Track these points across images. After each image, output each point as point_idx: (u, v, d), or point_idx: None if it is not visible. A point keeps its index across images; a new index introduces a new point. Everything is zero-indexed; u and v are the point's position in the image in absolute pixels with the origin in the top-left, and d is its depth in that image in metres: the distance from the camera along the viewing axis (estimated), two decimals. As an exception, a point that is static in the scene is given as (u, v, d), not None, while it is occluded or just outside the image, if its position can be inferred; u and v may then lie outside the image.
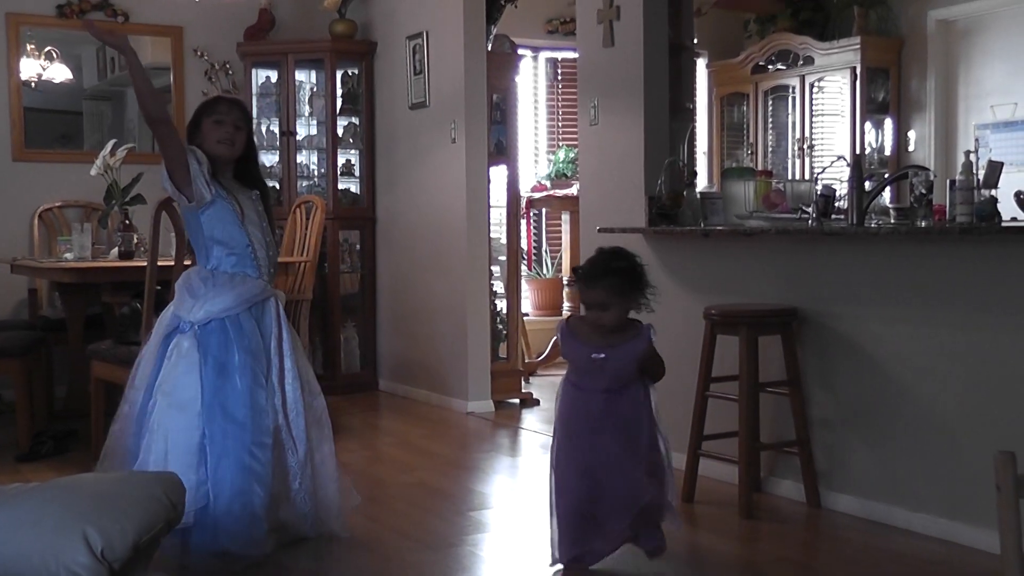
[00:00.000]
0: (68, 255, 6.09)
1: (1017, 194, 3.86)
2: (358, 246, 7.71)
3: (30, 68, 7.08)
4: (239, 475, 3.79)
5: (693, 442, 4.62)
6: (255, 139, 7.47)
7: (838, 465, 4.44)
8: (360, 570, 3.89)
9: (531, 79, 9.23)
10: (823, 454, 4.49)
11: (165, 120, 3.88)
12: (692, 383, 4.64)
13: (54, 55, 7.10)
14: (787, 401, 4.52)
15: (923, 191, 4.26)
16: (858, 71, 8.01)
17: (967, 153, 4.12)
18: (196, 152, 3.88)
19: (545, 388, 7.22)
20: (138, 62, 3.86)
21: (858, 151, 7.83)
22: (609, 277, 3.54)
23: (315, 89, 7.72)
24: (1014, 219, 4.01)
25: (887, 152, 8.18)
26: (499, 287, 7.06)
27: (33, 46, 7.08)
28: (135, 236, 6.06)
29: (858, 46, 8.01)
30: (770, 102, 8.87)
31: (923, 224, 4.16)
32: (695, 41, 5.96)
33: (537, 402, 6.92)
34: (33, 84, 7.11)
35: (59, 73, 7.17)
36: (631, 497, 3.56)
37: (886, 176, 7.03)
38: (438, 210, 6.96)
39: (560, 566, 3.64)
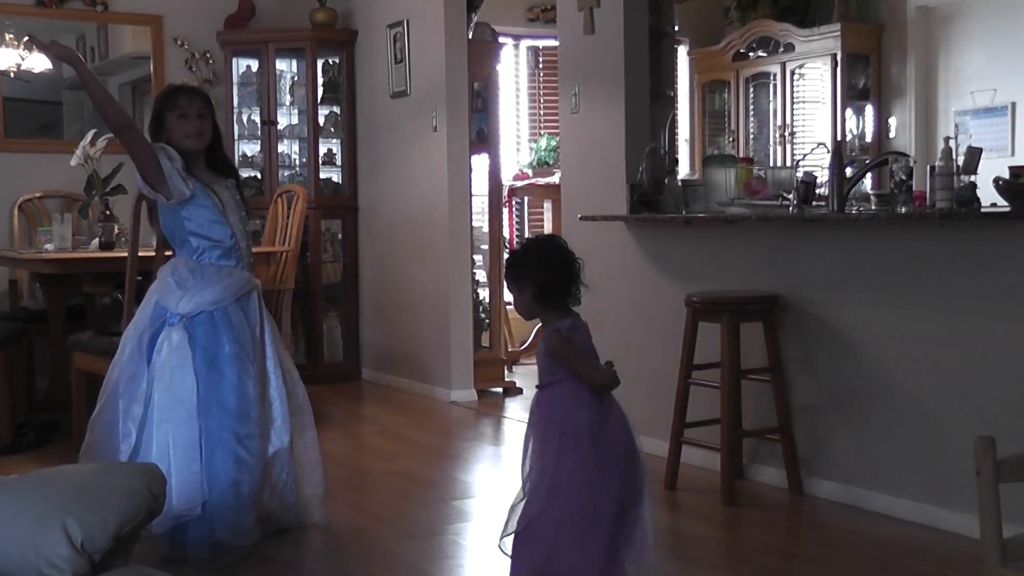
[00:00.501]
0: (48, 246, 6.06)
1: (996, 180, 3.87)
2: (340, 235, 7.70)
3: (9, 58, 7.02)
4: (232, 466, 3.79)
5: (675, 429, 4.63)
6: (235, 128, 7.50)
7: (820, 451, 4.46)
8: (343, 559, 3.89)
9: (512, 67, 9.21)
10: (805, 440, 4.51)
11: (128, 125, 3.85)
12: (674, 370, 4.65)
13: (32, 46, 7.04)
14: (769, 388, 4.53)
15: (903, 177, 4.27)
16: (839, 58, 8.01)
17: (947, 139, 4.13)
18: (167, 150, 3.85)
19: (528, 377, 7.22)
20: (90, 72, 3.84)
21: (839, 138, 7.83)
22: (510, 268, 3.14)
23: (296, 78, 7.69)
24: (994, 205, 4.01)
25: (868, 138, 8.19)
26: (481, 276, 7.05)
27: (12, 36, 7.03)
28: (116, 226, 6.03)
29: (838, 33, 8.01)
30: (751, 89, 8.87)
31: (903, 210, 4.17)
32: (676, 28, 5.97)
33: (520, 391, 6.92)
34: (12, 74, 7.07)
35: (38, 63, 7.11)
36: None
37: (867, 162, 7.04)
38: (420, 199, 6.95)
39: None
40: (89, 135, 6.16)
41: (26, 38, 3.65)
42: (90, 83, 3.79)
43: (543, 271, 3.04)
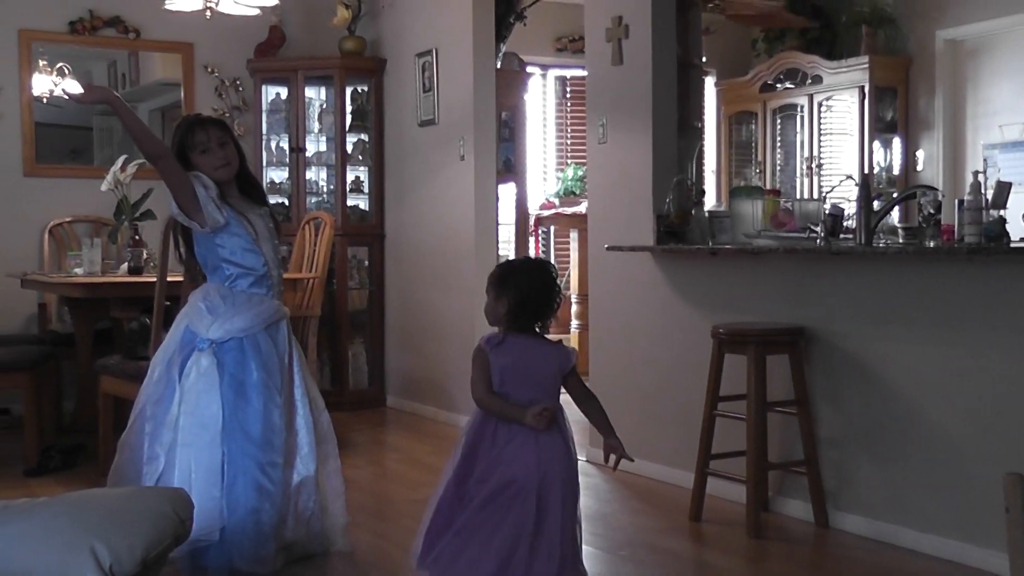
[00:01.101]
0: (78, 270, 6.11)
1: (1025, 214, 3.86)
2: (366, 262, 7.72)
3: (42, 84, 7.11)
4: (253, 494, 3.79)
5: (701, 461, 4.61)
6: (264, 155, 7.56)
7: (846, 485, 4.43)
8: (367, 587, 3.89)
9: (540, 97, 9.25)
10: (831, 473, 4.48)
11: (164, 154, 3.86)
12: (700, 402, 4.64)
13: (66, 71, 7.13)
14: (795, 420, 4.51)
15: (931, 211, 4.26)
16: (866, 90, 8.02)
17: (975, 173, 4.12)
18: (201, 178, 3.87)
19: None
20: (126, 107, 3.86)
21: (866, 170, 7.83)
22: (498, 277, 3.20)
23: (324, 106, 7.75)
24: (1023, 239, 4.00)
25: (895, 171, 8.18)
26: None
27: (45, 62, 7.12)
28: (144, 251, 6.08)
29: (866, 65, 8.01)
30: (778, 121, 8.88)
31: (931, 244, 4.16)
32: (703, 59, 5.98)
33: (544, 419, 6.89)
34: (45, 100, 7.15)
35: (71, 89, 7.18)
36: None
37: (894, 195, 7.02)
38: (447, 227, 6.97)
39: None
40: (120, 161, 6.22)
41: (65, 94, 3.66)
42: (126, 117, 3.83)
43: (524, 294, 3.11)
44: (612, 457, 3.16)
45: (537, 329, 3.17)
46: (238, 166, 4.00)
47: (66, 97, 3.96)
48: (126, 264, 6.10)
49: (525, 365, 3.12)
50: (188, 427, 3.81)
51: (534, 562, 3.03)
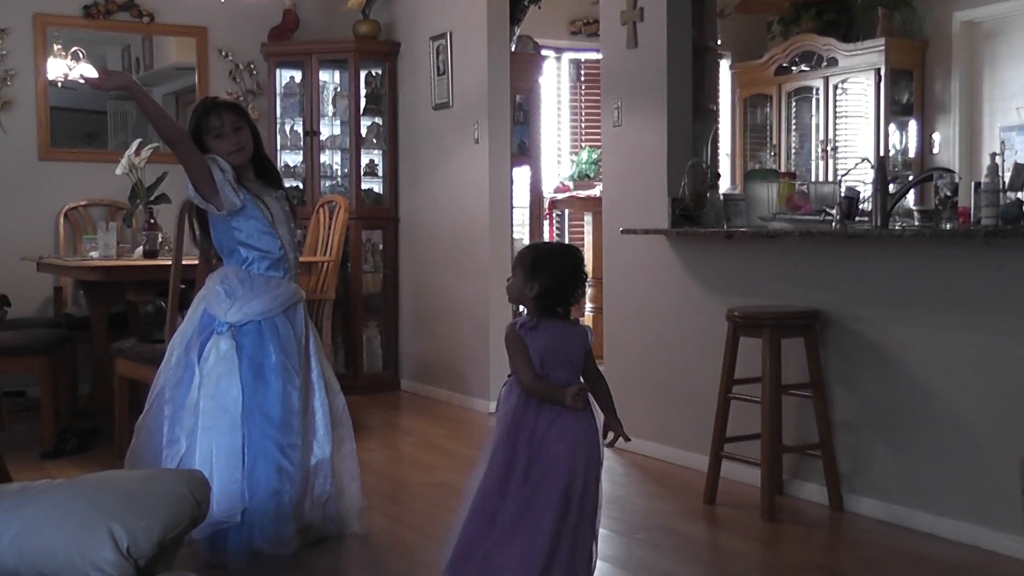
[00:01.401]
0: (93, 253, 6.13)
1: (1043, 197, 3.84)
2: (381, 246, 7.73)
3: (57, 68, 7.12)
4: (274, 476, 3.81)
5: (715, 444, 4.61)
6: (278, 138, 7.56)
7: (861, 468, 4.43)
8: (381, 569, 3.90)
9: (554, 80, 9.23)
10: (846, 457, 4.47)
11: (182, 139, 3.86)
12: (715, 385, 4.63)
13: (80, 55, 7.14)
14: (810, 404, 4.51)
15: (948, 193, 4.24)
16: (882, 72, 7.98)
17: (992, 155, 4.10)
18: (218, 161, 3.87)
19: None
20: (145, 93, 3.87)
21: (882, 153, 7.80)
22: (528, 260, 3.22)
23: (339, 89, 7.74)
24: (1040, 222, 3.98)
25: (911, 154, 8.14)
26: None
27: (59, 46, 7.13)
28: (159, 235, 6.09)
29: (882, 47, 7.98)
30: (793, 103, 8.85)
31: (948, 227, 4.14)
32: (718, 42, 5.95)
33: (559, 403, 6.90)
34: (59, 84, 7.16)
35: (85, 73, 7.20)
36: None
37: (910, 178, 6.99)
38: (461, 210, 6.97)
39: None
40: (134, 145, 6.23)
41: (82, 79, 3.64)
42: (145, 102, 3.84)
43: (556, 279, 3.15)
44: (610, 435, 3.20)
45: (559, 311, 3.18)
46: (252, 151, 4.00)
47: (82, 82, 3.95)
48: (141, 248, 6.12)
49: (560, 347, 3.16)
50: (209, 410, 3.82)
51: (578, 539, 3.08)
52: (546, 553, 3.02)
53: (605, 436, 3.21)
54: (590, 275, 8.13)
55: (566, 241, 9.24)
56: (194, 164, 3.84)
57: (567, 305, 3.21)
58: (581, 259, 3.27)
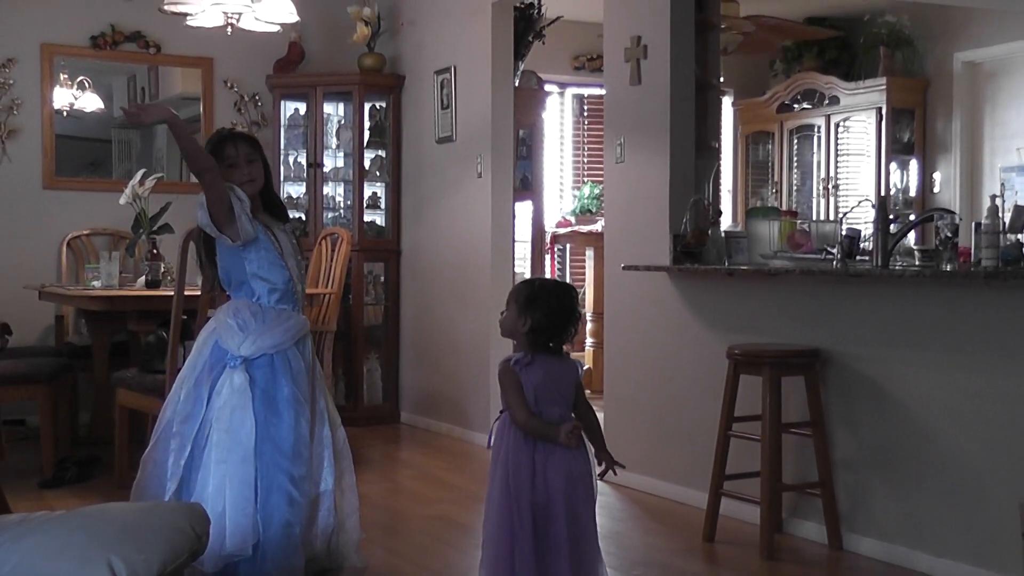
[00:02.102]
0: (95, 283, 6.14)
1: (1043, 239, 3.86)
2: (383, 278, 7.74)
3: (63, 97, 7.16)
4: (286, 507, 3.80)
5: (715, 481, 4.61)
6: (281, 170, 7.59)
7: (861, 507, 4.42)
8: (379, 604, 3.89)
9: (557, 115, 9.27)
10: (846, 496, 4.47)
11: (211, 168, 3.85)
12: (714, 422, 4.63)
13: (86, 84, 7.18)
14: (810, 442, 4.50)
15: (948, 234, 4.25)
16: (884, 111, 8.03)
17: (993, 197, 4.11)
18: (236, 191, 3.87)
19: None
20: (183, 126, 3.85)
21: (883, 192, 7.83)
22: (523, 295, 3.28)
23: (343, 121, 7.78)
24: (1040, 264, 3.99)
25: (912, 193, 8.18)
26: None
27: (66, 75, 7.18)
28: (162, 265, 6.11)
29: (884, 86, 8.03)
30: (795, 141, 8.89)
31: (948, 267, 4.16)
32: (721, 79, 5.99)
33: (558, 437, 6.89)
34: (65, 113, 7.20)
35: (90, 102, 7.26)
36: None
37: (911, 218, 7.01)
38: (463, 244, 6.99)
39: None
40: (138, 175, 6.25)
41: (123, 111, 3.57)
42: (182, 135, 3.81)
43: (549, 316, 3.19)
44: (602, 465, 3.22)
45: (551, 347, 3.20)
46: (262, 184, 4.02)
47: (121, 112, 3.84)
48: (143, 277, 6.13)
49: (553, 382, 3.19)
50: (222, 443, 3.80)
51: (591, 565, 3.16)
52: None
53: (600, 463, 3.23)
54: (591, 310, 8.20)
55: (567, 276, 9.27)
56: (217, 194, 3.85)
57: (560, 342, 3.24)
58: (575, 297, 3.29)
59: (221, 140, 3.99)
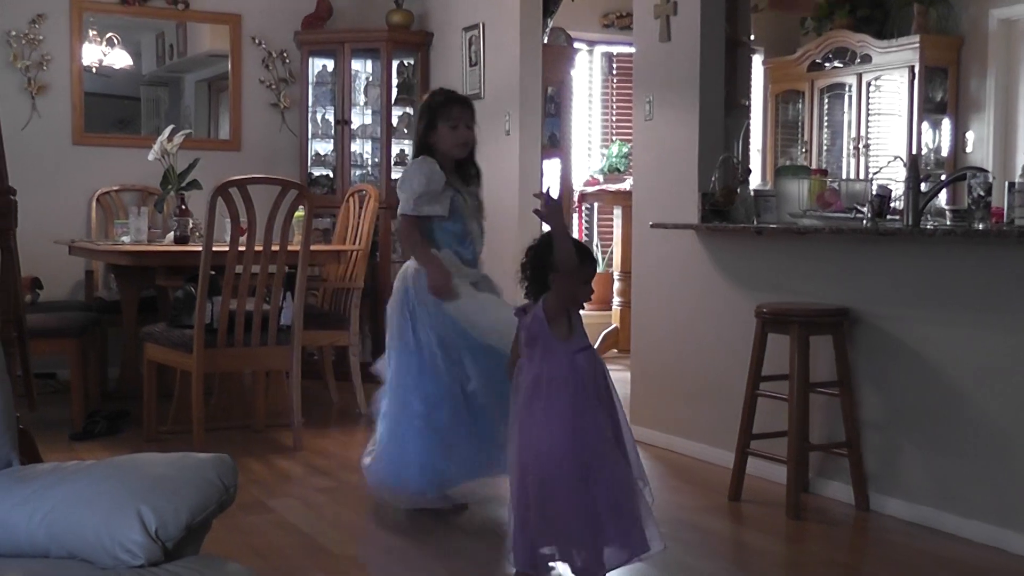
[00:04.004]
0: (124, 238, 6.17)
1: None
2: (409, 236, 7.72)
3: (92, 54, 7.17)
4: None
5: (741, 440, 4.60)
6: (309, 127, 7.59)
7: (888, 468, 4.41)
8: (404, 558, 3.92)
9: (586, 73, 9.22)
10: (873, 456, 4.45)
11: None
12: (741, 381, 4.62)
13: (115, 41, 7.19)
14: (836, 402, 4.49)
15: (981, 193, 4.21)
16: (916, 70, 7.93)
17: (1028, 155, 4.07)
18: (434, 173, 4.18)
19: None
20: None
21: (914, 151, 7.74)
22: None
23: (370, 79, 7.76)
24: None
25: (943, 153, 8.08)
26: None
27: (95, 32, 7.18)
28: (190, 221, 6.13)
29: (917, 45, 7.92)
30: (826, 100, 8.80)
31: (980, 226, 4.11)
32: (752, 37, 5.93)
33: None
34: (94, 69, 7.21)
35: (119, 59, 7.26)
36: None
37: (942, 177, 6.95)
38: (490, 202, 6.89)
39: None
40: (167, 131, 6.26)
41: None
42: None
43: (532, 270, 3.46)
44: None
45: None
46: (472, 147, 4.28)
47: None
48: (172, 233, 6.16)
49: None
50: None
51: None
52: None
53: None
54: (618, 268, 8.17)
55: (595, 234, 9.25)
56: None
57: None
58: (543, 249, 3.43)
59: (450, 99, 4.28)
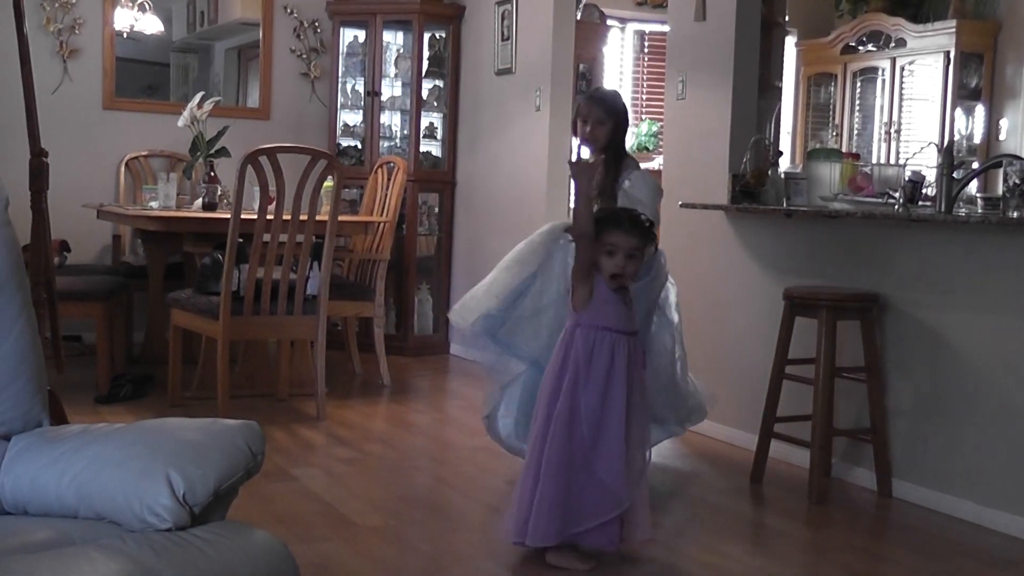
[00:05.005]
0: (153, 204, 6.18)
1: (1114, 189, 3.77)
2: (436, 209, 7.73)
3: (123, 19, 7.17)
4: None
5: (766, 423, 4.59)
6: (340, 97, 7.56)
7: (912, 455, 4.39)
8: (425, 529, 3.93)
9: (618, 50, 9.16)
10: (897, 443, 4.44)
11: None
12: (767, 363, 4.61)
13: (146, 7, 7.18)
14: (862, 387, 4.47)
15: (1017, 181, 4.16)
16: (952, 55, 7.84)
17: (1064, 144, 4.03)
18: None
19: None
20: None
21: (947, 137, 7.67)
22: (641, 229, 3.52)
23: (401, 51, 7.74)
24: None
25: (976, 140, 8.01)
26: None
27: (127, -4, 7.19)
28: (219, 188, 6.14)
29: (953, 29, 7.83)
30: (858, 84, 8.73)
31: (1015, 215, 4.07)
32: (786, 18, 5.88)
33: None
34: (125, 35, 7.21)
35: (150, 25, 7.25)
36: None
37: (974, 165, 6.88)
38: (519, 177, 6.95)
39: None
40: (197, 97, 6.26)
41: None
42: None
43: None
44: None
45: None
46: (603, 143, 4.28)
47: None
48: (200, 200, 6.17)
49: None
50: None
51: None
52: None
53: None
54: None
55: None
56: None
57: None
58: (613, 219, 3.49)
59: (584, 97, 4.52)
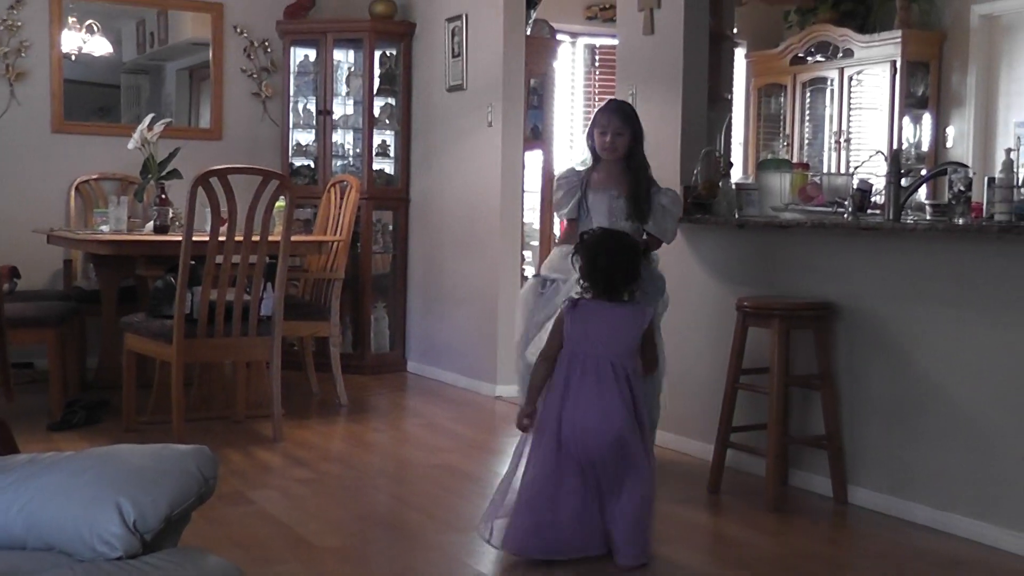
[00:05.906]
0: (104, 227, 6.13)
1: (1057, 194, 3.82)
2: (391, 227, 7.72)
3: (71, 41, 7.12)
4: None
5: (721, 433, 4.61)
6: (291, 117, 7.55)
7: (867, 461, 4.43)
8: (384, 550, 3.91)
9: (569, 65, 9.20)
10: (852, 450, 4.47)
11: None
12: (722, 374, 4.63)
13: (95, 28, 7.14)
14: (816, 395, 4.50)
15: (962, 188, 4.21)
16: (898, 64, 7.94)
17: (1007, 151, 4.08)
18: (567, 179, 4.57)
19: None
20: None
21: (895, 146, 7.76)
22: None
23: (353, 69, 7.73)
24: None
25: (924, 148, 8.10)
26: (530, 272, 7.05)
27: (75, 19, 7.13)
28: (170, 210, 6.10)
29: (899, 39, 7.93)
30: (808, 94, 8.81)
31: (961, 221, 4.12)
32: (735, 31, 5.93)
33: (565, 388, 6.90)
34: (73, 57, 7.16)
35: (99, 46, 7.21)
36: None
37: (923, 172, 6.96)
38: (472, 193, 6.96)
39: None
40: (147, 119, 6.22)
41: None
42: None
43: (587, 266, 3.80)
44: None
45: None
46: (622, 153, 4.44)
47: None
48: (152, 223, 6.12)
49: (603, 326, 3.72)
50: None
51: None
52: None
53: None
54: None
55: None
56: None
57: (611, 290, 3.74)
58: (615, 249, 3.77)
59: (603, 107, 4.57)
